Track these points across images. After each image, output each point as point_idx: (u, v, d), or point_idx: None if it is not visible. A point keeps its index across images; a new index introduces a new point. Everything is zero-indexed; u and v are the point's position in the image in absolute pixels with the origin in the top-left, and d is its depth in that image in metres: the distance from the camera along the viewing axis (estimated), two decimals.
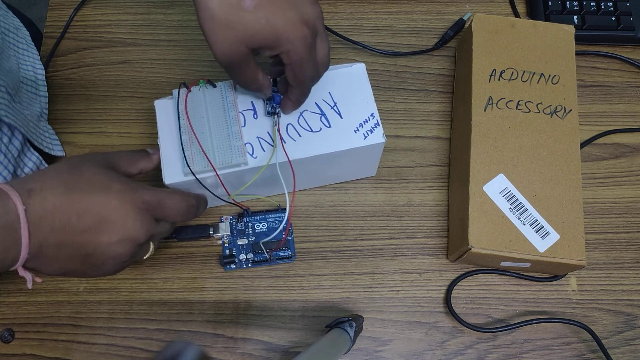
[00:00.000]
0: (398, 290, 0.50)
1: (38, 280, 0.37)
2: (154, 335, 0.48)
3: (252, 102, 0.47)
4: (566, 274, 0.51)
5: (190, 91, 0.46)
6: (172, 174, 0.44)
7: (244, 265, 0.50)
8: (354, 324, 0.43)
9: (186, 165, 0.44)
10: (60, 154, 0.54)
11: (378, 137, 0.46)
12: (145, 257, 0.42)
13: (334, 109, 0.47)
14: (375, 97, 0.57)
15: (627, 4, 0.60)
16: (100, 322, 0.49)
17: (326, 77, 0.47)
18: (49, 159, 0.53)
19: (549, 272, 0.51)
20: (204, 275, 0.50)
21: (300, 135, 0.46)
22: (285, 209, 0.51)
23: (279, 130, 0.45)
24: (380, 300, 0.50)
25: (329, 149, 0.46)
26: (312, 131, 0.46)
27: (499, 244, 0.46)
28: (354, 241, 0.52)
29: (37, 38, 0.60)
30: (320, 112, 0.47)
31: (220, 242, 0.51)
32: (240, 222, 0.51)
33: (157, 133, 0.46)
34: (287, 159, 0.45)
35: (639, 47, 0.60)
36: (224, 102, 0.46)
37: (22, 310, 0.49)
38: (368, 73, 0.58)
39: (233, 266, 0.50)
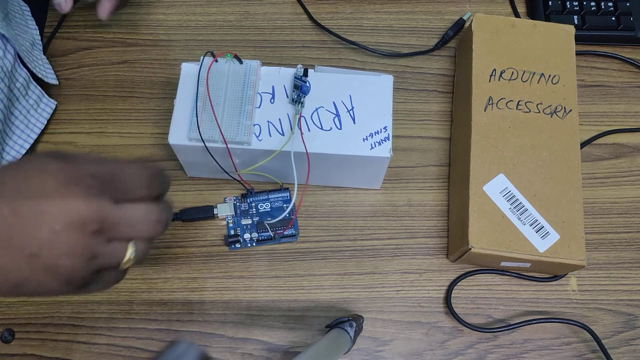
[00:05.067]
0: (398, 290, 0.50)
1: None
2: (154, 335, 0.48)
3: (273, 87, 0.48)
4: (566, 274, 0.51)
5: (216, 61, 0.47)
6: (178, 136, 0.46)
7: (249, 245, 0.51)
8: (354, 324, 0.43)
9: (194, 130, 0.45)
10: (54, 82, 0.55)
11: (384, 151, 0.46)
12: (123, 265, 0.32)
13: (349, 113, 0.47)
14: None
15: (627, 4, 0.60)
16: (100, 322, 0.49)
17: (351, 81, 0.48)
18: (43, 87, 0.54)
19: (549, 272, 0.51)
20: (204, 275, 0.50)
21: (309, 130, 0.46)
22: (287, 189, 0.52)
23: (299, 120, 0.46)
24: (380, 300, 0.50)
25: (333, 150, 0.46)
26: (322, 129, 0.47)
27: (499, 244, 0.46)
28: (354, 241, 0.52)
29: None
30: (335, 113, 0.47)
31: (225, 222, 0.52)
32: (244, 202, 0.52)
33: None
34: (302, 148, 0.45)
35: (639, 47, 0.60)
36: (245, 79, 0.47)
37: (22, 310, 0.49)
38: None
39: (238, 245, 0.51)
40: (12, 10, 0.55)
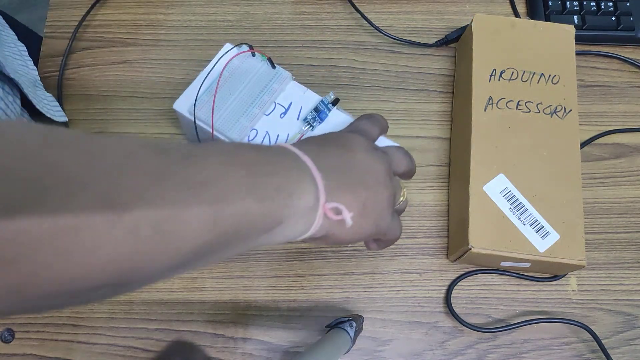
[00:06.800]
0: (398, 290, 0.50)
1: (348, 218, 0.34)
2: (154, 335, 0.48)
3: (290, 103, 0.47)
4: (566, 274, 0.51)
5: (253, 55, 0.48)
6: (183, 104, 0.47)
7: None
8: (354, 324, 0.43)
9: (197, 106, 0.46)
10: (63, 119, 0.54)
11: None
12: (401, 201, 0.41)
13: None
14: (375, 97, 0.58)
15: (627, 4, 0.60)
16: (100, 322, 0.49)
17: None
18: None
19: (549, 272, 0.51)
20: (204, 275, 0.50)
21: None
22: None
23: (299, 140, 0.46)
24: (380, 300, 0.50)
25: None
26: None
27: (499, 244, 0.46)
28: None
29: (28, 36, 0.60)
30: None
31: None
32: None
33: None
34: None
35: (639, 47, 0.60)
36: (267, 84, 0.47)
37: None
38: (368, 72, 0.59)
39: None
40: (10, 52, 0.54)
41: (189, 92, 0.47)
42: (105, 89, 0.57)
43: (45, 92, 0.55)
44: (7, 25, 0.57)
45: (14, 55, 0.54)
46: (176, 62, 0.59)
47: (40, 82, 0.56)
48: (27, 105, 0.51)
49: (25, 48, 0.56)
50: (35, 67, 0.56)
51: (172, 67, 0.58)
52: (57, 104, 0.55)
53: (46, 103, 0.53)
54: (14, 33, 0.57)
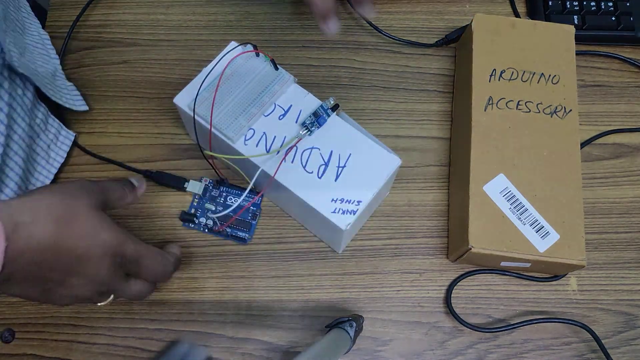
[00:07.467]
0: (398, 290, 0.50)
1: None
2: (154, 335, 0.48)
3: (290, 105, 0.47)
4: (566, 274, 0.51)
5: (257, 55, 0.48)
6: (184, 99, 0.47)
7: (201, 229, 0.51)
8: (354, 324, 0.43)
9: (197, 102, 0.46)
10: (83, 108, 0.55)
11: (342, 221, 0.43)
12: (100, 305, 0.42)
13: (338, 169, 0.45)
14: (375, 97, 0.58)
15: (627, 4, 0.60)
16: (100, 322, 0.49)
17: (361, 142, 0.46)
18: (65, 115, 0.54)
19: (549, 272, 0.51)
20: (204, 275, 0.50)
21: (292, 162, 0.45)
22: (260, 192, 0.51)
23: (291, 148, 0.46)
24: (380, 300, 0.50)
25: (298, 192, 0.44)
26: (304, 168, 0.45)
27: (499, 244, 0.46)
28: (354, 241, 0.52)
29: (41, 16, 0.60)
30: (325, 161, 0.46)
31: (191, 198, 0.52)
32: (216, 188, 0.52)
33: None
34: (275, 169, 0.45)
35: (639, 47, 0.60)
36: (268, 85, 0.47)
37: (22, 310, 0.49)
38: (368, 72, 0.59)
39: (191, 225, 0.51)
40: (33, 41, 0.54)
41: (191, 87, 0.47)
42: (105, 89, 0.57)
43: (66, 81, 0.55)
44: (32, 13, 0.57)
45: (36, 44, 0.54)
46: (176, 62, 0.59)
47: (61, 71, 0.56)
48: (47, 97, 0.51)
49: (48, 37, 0.57)
50: (57, 56, 0.56)
51: (172, 67, 0.58)
52: (78, 92, 0.55)
53: (66, 93, 0.54)
54: (38, 22, 0.57)
